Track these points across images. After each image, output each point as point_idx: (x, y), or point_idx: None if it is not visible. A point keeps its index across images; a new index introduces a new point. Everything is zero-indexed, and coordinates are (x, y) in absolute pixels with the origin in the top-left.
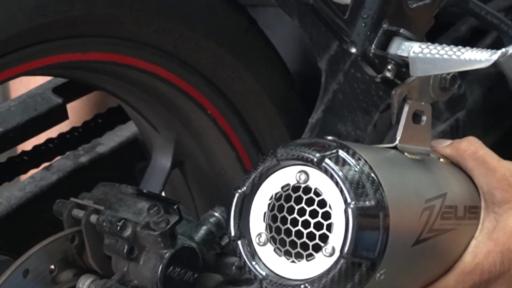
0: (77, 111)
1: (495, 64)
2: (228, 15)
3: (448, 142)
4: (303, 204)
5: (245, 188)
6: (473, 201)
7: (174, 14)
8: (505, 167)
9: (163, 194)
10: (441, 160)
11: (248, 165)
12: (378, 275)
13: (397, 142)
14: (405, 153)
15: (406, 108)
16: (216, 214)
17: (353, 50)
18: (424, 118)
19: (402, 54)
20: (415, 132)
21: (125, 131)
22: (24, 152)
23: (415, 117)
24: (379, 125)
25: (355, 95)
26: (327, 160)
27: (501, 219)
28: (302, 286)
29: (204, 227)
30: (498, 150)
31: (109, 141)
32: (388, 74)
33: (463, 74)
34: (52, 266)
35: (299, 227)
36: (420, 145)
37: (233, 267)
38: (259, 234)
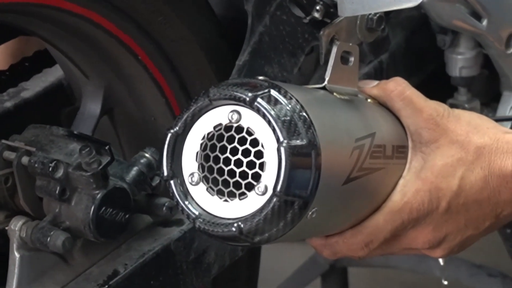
0: (2, 56)
1: (420, 6)
2: None
3: (375, 82)
4: (235, 144)
5: (177, 128)
6: (401, 141)
7: None
8: (432, 106)
9: None
10: (369, 100)
11: (177, 112)
12: (310, 213)
13: (326, 82)
14: (334, 93)
15: (334, 49)
16: (147, 155)
17: None
18: (351, 59)
19: None
20: (343, 72)
21: (50, 76)
22: None
23: (343, 58)
24: (304, 68)
25: (281, 37)
26: (259, 100)
27: (428, 159)
28: (235, 224)
29: (135, 168)
30: (422, 92)
31: (34, 86)
32: (317, 15)
33: (386, 17)
34: None
35: (232, 166)
36: (348, 86)
37: (164, 208)
38: (192, 174)
